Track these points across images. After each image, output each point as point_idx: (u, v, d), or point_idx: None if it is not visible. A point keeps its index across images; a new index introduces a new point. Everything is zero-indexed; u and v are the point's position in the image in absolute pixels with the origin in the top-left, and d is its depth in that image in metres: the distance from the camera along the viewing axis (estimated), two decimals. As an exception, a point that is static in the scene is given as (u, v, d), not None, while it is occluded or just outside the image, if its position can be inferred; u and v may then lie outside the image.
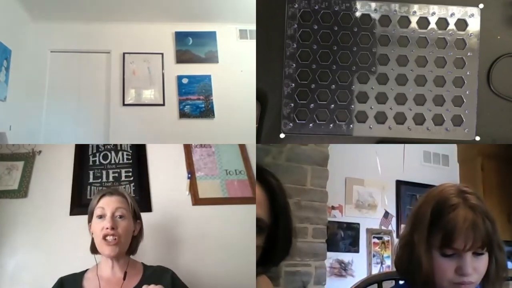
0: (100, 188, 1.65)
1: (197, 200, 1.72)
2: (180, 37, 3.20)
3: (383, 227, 3.07)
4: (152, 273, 1.28)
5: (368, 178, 3.04)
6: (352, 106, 1.28)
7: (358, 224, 2.96)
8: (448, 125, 1.30)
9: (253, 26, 1.26)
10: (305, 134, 1.28)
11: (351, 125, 1.28)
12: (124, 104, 3.03)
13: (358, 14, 1.30)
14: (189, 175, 1.79)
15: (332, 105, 1.28)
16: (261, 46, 1.25)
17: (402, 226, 3.06)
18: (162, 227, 1.58)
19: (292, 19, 1.28)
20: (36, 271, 1.41)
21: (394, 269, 0.96)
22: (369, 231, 3.00)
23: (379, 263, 3.00)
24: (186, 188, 1.75)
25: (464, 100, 1.30)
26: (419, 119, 1.30)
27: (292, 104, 1.27)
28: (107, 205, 1.25)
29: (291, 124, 1.27)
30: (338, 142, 1.30)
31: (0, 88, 2.49)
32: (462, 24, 1.31)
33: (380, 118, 1.29)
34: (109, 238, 1.20)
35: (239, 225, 1.65)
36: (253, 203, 1.71)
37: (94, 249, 1.27)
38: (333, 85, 1.28)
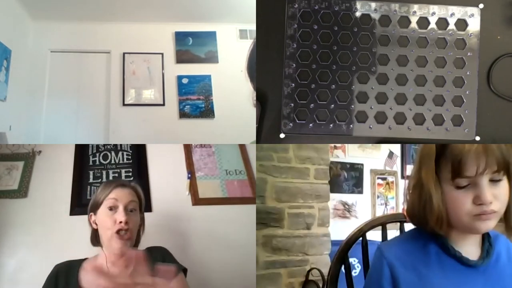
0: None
1: (197, 200, 1.72)
2: (180, 37, 3.20)
3: (387, 168, 2.97)
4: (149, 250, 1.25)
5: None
6: (352, 106, 1.28)
7: (362, 164, 2.86)
8: (448, 125, 1.30)
9: (253, 26, 1.26)
10: (305, 134, 1.28)
11: (351, 125, 1.28)
12: (124, 104, 3.03)
13: (358, 14, 1.30)
14: (189, 175, 1.79)
15: (332, 105, 1.28)
16: (261, 46, 1.25)
17: (407, 166, 3.01)
18: (162, 227, 1.58)
19: (292, 19, 1.28)
20: (36, 271, 1.41)
21: (399, 211, 0.91)
22: (373, 172, 2.91)
23: (383, 204, 2.91)
24: (186, 188, 1.75)
25: (464, 100, 1.30)
26: (419, 119, 1.30)
27: (292, 104, 1.27)
28: (120, 197, 1.21)
29: (291, 124, 1.27)
30: (338, 142, 1.30)
31: (0, 88, 2.50)
32: (462, 24, 1.31)
33: (380, 118, 1.29)
34: (123, 232, 1.16)
35: (239, 225, 1.65)
36: (253, 203, 1.71)
37: (95, 241, 1.23)
38: (333, 85, 1.28)
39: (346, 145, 2.78)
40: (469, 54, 1.30)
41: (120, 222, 1.17)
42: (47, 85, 2.97)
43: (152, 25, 3.13)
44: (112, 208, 1.20)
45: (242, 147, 1.93)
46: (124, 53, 3.10)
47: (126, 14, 2.98)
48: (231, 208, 1.72)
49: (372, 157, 2.90)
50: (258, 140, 1.26)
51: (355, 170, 2.83)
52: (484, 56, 1.30)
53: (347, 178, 2.79)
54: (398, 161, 3.01)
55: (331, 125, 1.28)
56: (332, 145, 2.62)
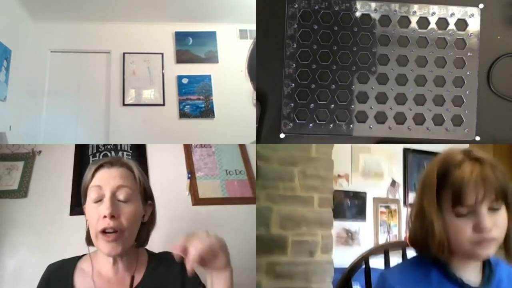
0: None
1: (197, 200, 1.72)
2: (180, 37, 3.20)
3: (390, 196, 3.02)
4: (157, 264, 1.06)
5: (375, 146, 2.91)
6: (352, 106, 1.28)
7: (365, 193, 2.90)
8: (448, 125, 1.30)
9: (253, 26, 1.26)
10: (305, 134, 1.28)
11: (351, 125, 1.28)
12: (124, 104, 3.03)
13: (358, 14, 1.30)
14: (189, 175, 1.79)
15: (332, 105, 1.28)
16: (261, 46, 1.25)
17: (410, 195, 3.04)
18: (161, 227, 1.58)
19: (292, 19, 1.28)
20: (36, 271, 1.41)
21: (401, 238, 0.93)
22: (376, 200, 2.95)
23: (386, 232, 2.98)
24: (186, 188, 1.75)
25: (464, 100, 1.30)
26: (419, 119, 1.30)
27: (292, 104, 1.27)
28: (105, 182, 0.93)
29: (291, 124, 1.27)
30: (338, 142, 1.30)
31: (0, 88, 2.50)
32: (462, 24, 1.31)
33: (380, 118, 1.29)
34: (108, 230, 0.90)
35: (239, 225, 1.65)
36: (253, 203, 1.71)
37: (89, 240, 0.99)
38: (333, 85, 1.28)
39: (349, 174, 2.84)
40: (469, 54, 1.30)
41: (105, 216, 0.90)
42: (47, 85, 2.97)
43: (152, 25, 3.13)
44: (98, 200, 0.94)
45: (242, 147, 1.93)
46: (124, 53, 3.10)
47: (126, 14, 2.98)
48: (231, 208, 1.72)
49: (375, 186, 2.95)
50: (258, 140, 1.26)
51: (358, 198, 2.88)
52: (484, 56, 1.30)
53: (351, 206, 2.84)
54: (401, 189, 3.06)
55: (331, 125, 1.28)
56: (336, 174, 2.68)
